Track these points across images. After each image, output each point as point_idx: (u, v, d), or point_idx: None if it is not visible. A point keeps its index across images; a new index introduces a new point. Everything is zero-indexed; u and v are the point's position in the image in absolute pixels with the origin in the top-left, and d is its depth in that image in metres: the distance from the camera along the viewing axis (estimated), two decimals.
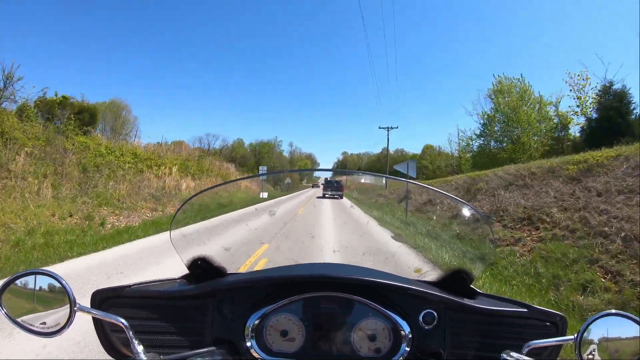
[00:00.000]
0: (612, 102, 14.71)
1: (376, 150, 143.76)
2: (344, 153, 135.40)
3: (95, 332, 0.81)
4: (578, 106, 18.18)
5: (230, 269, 0.95)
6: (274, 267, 0.97)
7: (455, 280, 0.91)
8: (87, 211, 8.94)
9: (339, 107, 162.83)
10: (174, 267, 2.78)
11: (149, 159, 15.43)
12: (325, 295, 0.81)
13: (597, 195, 6.49)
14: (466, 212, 1.18)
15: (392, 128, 38.64)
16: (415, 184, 1.84)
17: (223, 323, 0.82)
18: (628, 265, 4.44)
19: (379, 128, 34.71)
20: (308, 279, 0.83)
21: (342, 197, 6.30)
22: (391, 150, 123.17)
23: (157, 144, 22.01)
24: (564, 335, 0.81)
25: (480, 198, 10.07)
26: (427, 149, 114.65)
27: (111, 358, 0.82)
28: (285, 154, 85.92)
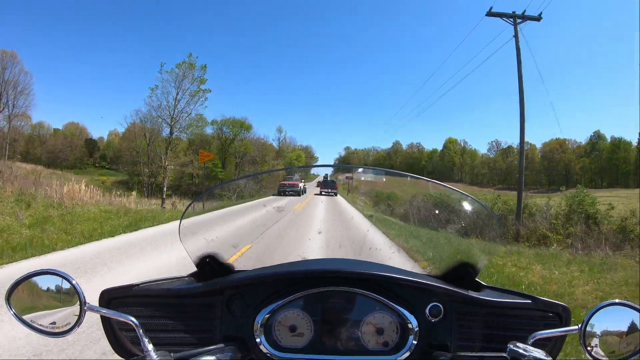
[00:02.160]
0: None
1: (385, 145, 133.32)
2: (347, 148, 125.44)
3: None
4: None
5: (238, 266, 0.99)
6: (281, 263, 0.99)
7: (461, 274, 0.94)
8: None
9: (342, 99, 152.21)
10: None
11: None
12: (333, 290, 0.83)
13: None
14: (471, 204, 1.19)
15: (524, 18, 14.13)
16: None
17: (232, 320, 0.85)
18: None
19: (488, 15, 13.11)
20: (316, 274, 0.86)
21: (336, 195, 6.26)
22: (404, 145, 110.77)
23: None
24: (568, 325, 0.83)
25: None
26: (450, 143, 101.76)
27: (119, 358, 0.83)
28: (273, 142, 73.68)
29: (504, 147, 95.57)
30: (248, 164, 47.51)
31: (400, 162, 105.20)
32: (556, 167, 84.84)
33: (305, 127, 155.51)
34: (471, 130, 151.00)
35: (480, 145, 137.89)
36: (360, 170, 3.34)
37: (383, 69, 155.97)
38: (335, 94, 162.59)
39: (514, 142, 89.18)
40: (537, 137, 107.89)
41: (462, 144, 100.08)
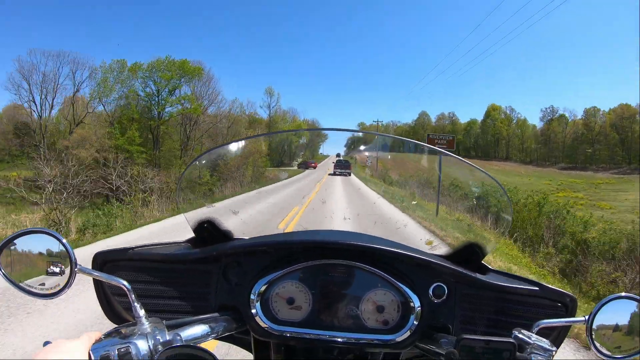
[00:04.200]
0: None
1: (407, 118, 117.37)
2: (361, 124, 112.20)
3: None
4: None
5: (238, 234, 0.96)
6: (284, 232, 0.97)
7: (468, 255, 0.91)
8: None
9: (355, 70, 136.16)
10: None
11: None
12: (334, 263, 0.82)
13: None
14: (484, 182, 1.12)
15: None
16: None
17: (228, 289, 0.84)
18: None
19: None
20: (317, 245, 0.84)
21: (350, 175, 6.13)
22: (432, 116, 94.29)
23: None
24: (573, 316, 0.84)
25: None
26: (494, 110, 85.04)
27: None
28: (261, 110, 58.72)
29: (564, 116, 78.32)
30: (206, 139, 30.40)
31: None
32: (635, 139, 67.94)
33: (311, 101, 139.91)
34: (517, 97, 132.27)
35: (529, 115, 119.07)
36: (376, 142, 1.42)
37: (403, 33, 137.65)
38: (346, 64, 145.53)
39: (575, 109, 72.43)
40: (604, 102, 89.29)
41: (508, 112, 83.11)
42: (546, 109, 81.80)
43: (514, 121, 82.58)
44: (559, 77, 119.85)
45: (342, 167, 6.08)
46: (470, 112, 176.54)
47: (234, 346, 0.91)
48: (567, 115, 79.50)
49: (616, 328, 0.68)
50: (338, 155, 5.97)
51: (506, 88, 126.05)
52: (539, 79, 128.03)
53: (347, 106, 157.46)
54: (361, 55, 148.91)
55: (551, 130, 77.37)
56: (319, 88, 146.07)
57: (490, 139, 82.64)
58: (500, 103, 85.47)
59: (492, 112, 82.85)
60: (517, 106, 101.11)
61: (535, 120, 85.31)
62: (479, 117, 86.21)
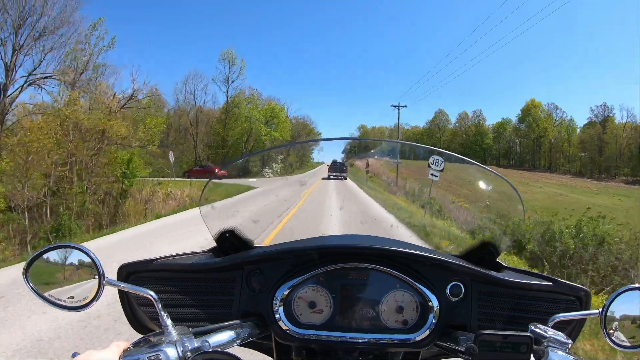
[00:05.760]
0: None
1: (415, 121, 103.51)
2: (362, 127, 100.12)
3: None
4: None
5: (258, 241, 1.01)
6: (302, 239, 1.03)
7: (482, 254, 0.95)
8: None
9: (355, 69, 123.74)
10: None
11: None
12: (353, 266, 0.86)
13: None
14: (495, 182, 1.17)
15: None
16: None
17: (251, 295, 0.88)
18: None
19: None
20: (337, 250, 0.89)
21: (346, 178, 6.13)
22: (451, 116, 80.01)
23: None
24: (588, 309, 0.87)
25: None
26: (534, 106, 70.03)
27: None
28: (215, 89, 45.52)
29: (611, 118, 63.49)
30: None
31: (448, 141, 75.06)
32: None
33: (306, 102, 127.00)
34: (556, 94, 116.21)
35: (576, 115, 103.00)
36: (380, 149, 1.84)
37: (409, 27, 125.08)
38: (345, 58, 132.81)
39: (634, 106, 57.91)
40: None
41: (550, 110, 68.50)
42: (597, 107, 67.43)
43: (557, 121, 68.27)
44: (610, 66, 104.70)
45: (338, 170, 5.92)
46: (497, 113, 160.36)
47: (254, 352, 0.95)
48: (622, 114, 65.27)
49: (630, 319, 0.70)
50: (334, 161, 5.77)
51: (544, 82, 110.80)
52: (583, 70, 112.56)
53: (346, 106, 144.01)
54: (362, 49, 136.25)
55: (609, 133, 62.67)
56: (313, 85, 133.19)
57: (531, 143, 68.25)
58: (539, 99, 71.21)
59: (532, 110, 68.48)
60: (557, 103, 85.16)
61: (582, 121, 70.63)
62: (512, 117, 72.05)
